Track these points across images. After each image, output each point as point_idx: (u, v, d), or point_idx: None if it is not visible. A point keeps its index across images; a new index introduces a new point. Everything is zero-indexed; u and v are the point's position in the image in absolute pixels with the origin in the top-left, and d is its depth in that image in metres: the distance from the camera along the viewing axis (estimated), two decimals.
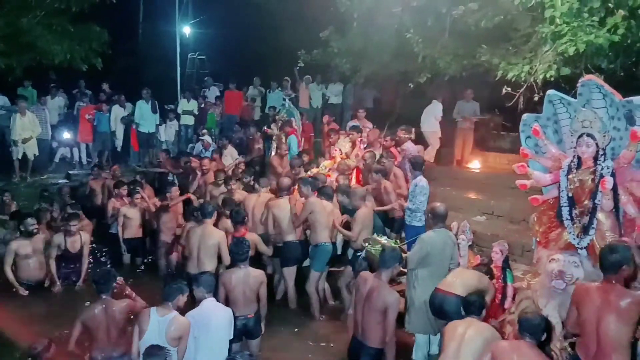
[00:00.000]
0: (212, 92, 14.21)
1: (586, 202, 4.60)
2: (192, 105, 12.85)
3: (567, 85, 6.22)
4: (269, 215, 6.51)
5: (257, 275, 5.00)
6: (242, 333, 4.89)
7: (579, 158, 4.66)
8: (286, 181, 6.79)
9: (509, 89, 6.85)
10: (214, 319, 4.31)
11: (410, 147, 8.29)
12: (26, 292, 6.60)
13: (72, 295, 6.71)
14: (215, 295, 4.64)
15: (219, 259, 5.83)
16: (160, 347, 3.86)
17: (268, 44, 15.64)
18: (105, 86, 13.06)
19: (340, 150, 8.68)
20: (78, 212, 7.45)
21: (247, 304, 4.90)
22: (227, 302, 4.79)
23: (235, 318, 4.68)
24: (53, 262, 6.86)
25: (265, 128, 10.93)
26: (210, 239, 5.81)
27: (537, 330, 3.67)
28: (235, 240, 5.27)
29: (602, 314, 3.66)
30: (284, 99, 12.34)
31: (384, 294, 4.25)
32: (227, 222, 6.49)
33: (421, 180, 6.66)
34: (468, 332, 3.98)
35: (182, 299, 4.31)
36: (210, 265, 5.75)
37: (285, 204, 6.50)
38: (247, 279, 4.90)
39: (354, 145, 8.78)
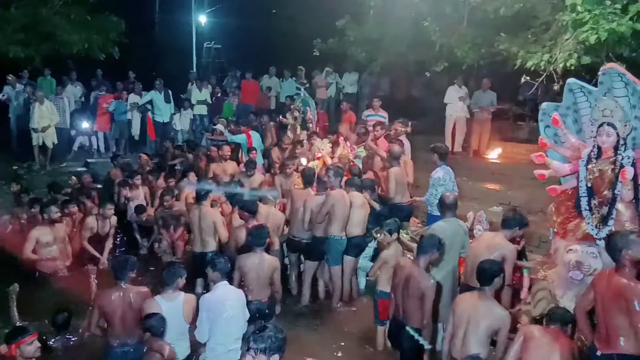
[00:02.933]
0: (231, 81, 14.29)
1: (606, 192, 4.53)
2: (205, 94, 12.89)
3: (587, 74, 6.13)
4: (306, 209, 6.30)
5: (270, 261, 5.15)
6: (256, 316, 4.96)
7: (599, 148, 4.59)
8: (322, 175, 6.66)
9: (528, 77, 6.76)
10: (228, 302, 4.36)
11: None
12: (57, 269, 6.68)
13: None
14: (230, 278, 4.71)
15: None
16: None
17: (284, 32, 15.60)
18: (132, 75, 13.12)
19: (322, 150, 8.51)
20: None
21: (260, 289, 5.06)
22: (240, 286, 4.94)
23: (249, 302, 4.82)
24: (87, 243, 7.09)
25: (280, 117, 10.93)
26: (207, 219, 6.22)
27: (565, 319, 3.94)
28: (258, 225, 5.51)
29: (605, 298, 3.76)
30: (299, 88, 12.32)
31: (420, 280, 4.33)
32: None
33: (436, 172, 6.59)
34: (472, 318, 4.02)
35: (181, 282, 4.42)
36: (213, 243, 6.25)
37: (322, 199, 6.27)
38: (261, 264, 5.06)
39: (335, 144, 8.65)
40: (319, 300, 6.48)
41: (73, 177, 9.04)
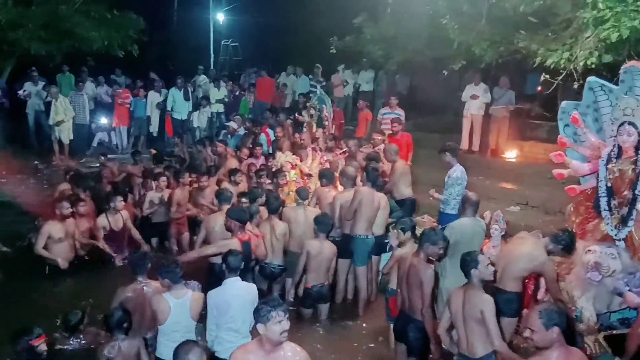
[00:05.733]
0: (248, 79, 14.36)
1: (626, 192, 4.48)
2: (222, 93, 12.98)
3: (608, 72, 6.04)
4: (335, 207, 6.23)
5: (331, 247, 5.76)
6: (316, 299, 5.73)
7: (620, 147, 4.53)
8: (352, 171, 6.56)
9: (547, 76, 6.67)
10: (234, 299, 4.26)
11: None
12: (66, 264, 6.62)
13: (107, 273, 6.79)
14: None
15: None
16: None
17: (301, 30, 15.66)
18: (153, 75, 13.24)
19: (289, 163, 8.31)
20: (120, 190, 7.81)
21: (322, 273, 5.70)
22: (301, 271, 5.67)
23: (312, 286, 5.66)
24: (103, 242, 7.00)
25: (296, 115, 10.94)
26: None
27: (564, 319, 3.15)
28: (323, 213, 6.02)
29: None
30: (314, 86, 12.33)
31: (419, 269, 4.39)
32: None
33: (455, 172, 6.47)
34: (463, 312, 3.96)
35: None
36: None
37: (351, 194, 6.18)
38: (324, 250, 5.67)
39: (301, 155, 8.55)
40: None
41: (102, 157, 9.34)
